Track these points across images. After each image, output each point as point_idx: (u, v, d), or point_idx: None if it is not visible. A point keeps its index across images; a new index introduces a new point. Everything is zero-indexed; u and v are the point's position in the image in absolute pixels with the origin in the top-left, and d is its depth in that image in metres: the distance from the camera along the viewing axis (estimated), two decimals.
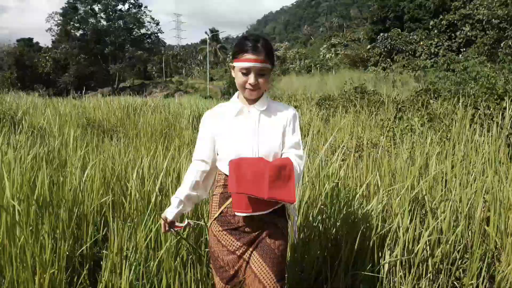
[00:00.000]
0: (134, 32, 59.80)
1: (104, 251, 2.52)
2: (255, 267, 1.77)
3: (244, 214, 1.74)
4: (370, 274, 2.39)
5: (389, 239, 2.56)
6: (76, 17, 57.34)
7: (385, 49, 30.56)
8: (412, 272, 2.48)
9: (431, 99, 9.02)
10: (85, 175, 2.95)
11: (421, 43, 29.76)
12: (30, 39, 70.07)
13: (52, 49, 58.38)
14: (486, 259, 2.69)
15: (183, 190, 1.88)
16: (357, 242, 2.51)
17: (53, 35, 58.77)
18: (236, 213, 1.76)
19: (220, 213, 1.84)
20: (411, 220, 2.68)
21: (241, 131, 1.81)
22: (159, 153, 4.36)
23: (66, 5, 57.43)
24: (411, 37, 30.58)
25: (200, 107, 11.54)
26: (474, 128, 6.03)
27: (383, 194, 2.81)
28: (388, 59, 30.08)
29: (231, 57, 1.89)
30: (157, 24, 61.19)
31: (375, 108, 10.19)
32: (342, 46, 46.74)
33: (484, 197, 3.35)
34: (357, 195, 2.88)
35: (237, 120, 1.84)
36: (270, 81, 1.85)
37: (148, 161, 3.32)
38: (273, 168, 1.68)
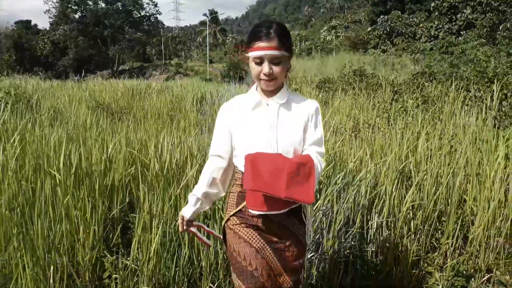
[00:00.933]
0: (134, 14, 59.40)
1: (131, 214, 2.94)
2: (275, 270, 1.75)
3: (259, 212, 1.66)
4: (360, 231, 2.81)
5: (377, 203, 2.97)
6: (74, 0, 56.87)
7: (385, 31, 30.62)
8: (396, 232, 2.90)
9: (426, 82, 9.36)
10: (109, 150, 3.35)
11: (421, 25, 29.80)
12: (28, 22, 69.60)
13: (50, 31, 58.04)
14: (460, 222, 3.10)
15: (200, 187, 1.82)
16: (350, 206, 2.92)
17: (51, 17, 58.34)
18: (250, 211, 1.67)
19: (237, 211, 1.77)
20: (397, 189, 3.08)
21: (259, 125, 1.71)
22: (170, 132, 4.75)
23: None
24: (411, 19, 30.60)
25: (202, 89, 11.87)
26: (465, 110, 6.42)
27: (371, 166, 3.21)
28: (388, 42, 30.18)
29: (244, 47, 1.75)
30: (156, 5, 60.77)
31: (373, 90, 10.51)
32: (342, 28, 46.53)
33: (465, 170, 3.76)
34: (349, 168, 3.28)
35: (255, 113, 1.75)
36: (288, 70, 1.76)
37: (163, 139, 3.71)
38: (292, 165, 1.58)
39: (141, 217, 2.51)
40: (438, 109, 7.04)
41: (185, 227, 1.88)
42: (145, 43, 60.68)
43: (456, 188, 3.33)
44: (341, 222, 2.78)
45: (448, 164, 3.68)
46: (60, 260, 2.36)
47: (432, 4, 29.82)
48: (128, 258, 2.46)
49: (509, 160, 3.83)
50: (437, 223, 3.16)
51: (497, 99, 6.31)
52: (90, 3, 57.50)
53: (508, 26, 18.52)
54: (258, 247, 1.72)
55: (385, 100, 8.73)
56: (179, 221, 1.88)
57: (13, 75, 22.98)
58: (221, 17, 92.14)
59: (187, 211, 1.84)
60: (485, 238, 3.07)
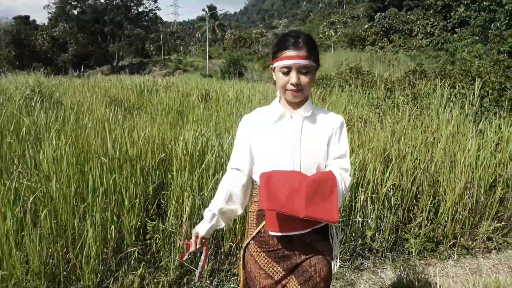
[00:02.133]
0: (133, 10, 59.72)
1: (162, 192, 3.59)
2: None
3: (279, 234, 1.60)
4: (349, 204, 3.47)
5: (363, 183, 3.62)
6: None
7: (383, 28, 31.22)
8: (378, 206, 3.56)
9: (417, 79, 9.99)
10: (140, 139, 3.99)
11: (418, 22, 30.43)
12: (27, 17, 69.73)
13: (49, 27, 58.31)
14: (432, 199, 3.77)
15: (217, 202, 1.74)
16: None
17: (50, 13, 58.49)
18: (270, 233, 1.62)
19: (257, 233, 1.71)
20: (380, 171, 3.74)
21: (281, 140, 1.66)
22: (183, 126, 5.40)
23: None
24: (408, 16, 31.20)
25: (207, 86, 12.49)
26: (450, 106, 7.07)
27: (360, 153, 3.86)
28: (385, 38, 30.81)
29: (271, 57, 1.73)
30: (155, 1, 61.12)
31: (368, 87, 11.15)
32: (341, 23, 46.92)
33: (444, 158, 4.43)
34: None
35: (278, 126, 1.69)
36: (314, 82, 1.72)
37: (186, 130, 4.36)
38: (310, 183, 1.50)
39: (175, 191, 3.16)
40: (426, 105, 7.69)
41: (198, 245, 1.78)
42: (144, 39, 61.07)
43: (432, 172, 3.99)
44: None
45: (429, 151, 4.34)
46: (111, 226, 3.01)
47: (427, 2, 30.44)
48: (166, 223, 3.11)
49: (481, 150, 4.49)
50: (414, 200, 3.82)
51: (478, 96, 6.97)
52: None
53: (498, 25, 19.14)
54: (278, 279, 1.68)
55: (378, 97, 9.36)
56: (193, 238, 1.78)
57: (14, 71, 23.45)
58: (219, 12, 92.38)
59: (202, 228, 1.75)
60: (453, 212, 3.73)
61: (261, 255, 1.70)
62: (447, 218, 3.70)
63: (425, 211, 3.68)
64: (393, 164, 3.81)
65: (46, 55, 56.25)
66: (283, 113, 1.69)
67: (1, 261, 2.69)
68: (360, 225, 3.51)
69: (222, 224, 1.77)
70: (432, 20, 29.57)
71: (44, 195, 3.10)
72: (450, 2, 28.71)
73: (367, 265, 3.34)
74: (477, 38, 21.70)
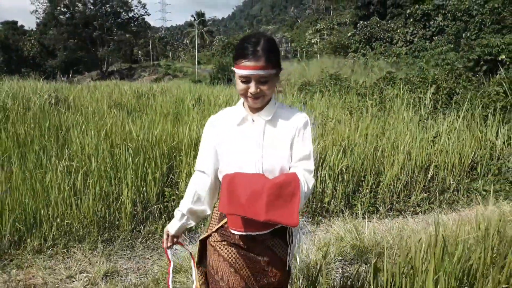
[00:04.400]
0: (122, 15, 60.38)
1: (173, 171, 4.78)
2: None
3: (240, 233, 1.62)
4: None
5: (324, 163, 4.85)
6: (63, 2, 57.47)
7: (365, 36, 32.73)
8: (333, 180, 4.79)
9: (386, 85, 11.33)
10: (156, 132, 5.18)
11: (398, 31, 32.00)
12: (15, 22, 70.01)
13: (37, 32, 58.68)
14: (375, 176, 5.03)
15: (185, 203, 1.78)
16: None
17: (38, 18, 58.82)
18: (232, 231, 1.63)
19: (219, 228, 1.74)
20: (337, 155, 4.97)
21: (243, 143, 1.67)
22: (183, 124, 6.60)
23: None
24: (388, 25, 32.76)
25: (199, 91, 13.69)
26: (408, 108, 8.38)
27: (322, 142, 5.09)
28: (367, 46, 32.34)
29: (232, 60, 1.71)
30: (144, 7, 62.01)
31: (345, 92, 12.47)
32: (327, 30, 48.06)
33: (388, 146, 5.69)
34: None
35: (240, 129, 1.70)
36: (276, 86, 1.72)
37: (188, 127, 5.57)
38: (273, 186, 1.50)
39: (184, 167, 4.37)
40: (390, 107, 9.00)
41: (169, 243, 1.85)
42: (133, 44, 61.82)
43: (378, 156, 5.26)
44: None
45: (377, 141, 5.61)
46: (141, 190, 4.20)
47: (408, 11, 32.09)
48: (178, 191, 4.30)
49: (423, 141, 5.77)
50: (363, 177, 5.07)
51: (430, 99, 8.30)
52: (80, 5, 58.39)
53: (469, 35, 20.71)
54: (237, 266, 1.69)
55: (351, 101, 10.67)
56: (164, 236, 1.85)
57: (3, 76, 24.23)
58: (207, 16, 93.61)
59: (172, 227, 1.82)
60: (391, 186, 4.99)
61: (222, 244, 1.72)
62: (386, 189, 4.96)
63: (369, 184, 4.93)
64: (346, 149, 5.06)
65: (34, 60, 56.62)
66: (245, 116, 1.70)
67: (64, 215, 3.87)
68: (321, 193, 4.75)
69: (192, 223, 1.83)
70: (412, 28, 31.16)
71: (87, 170, 4.29)
72: (429, 11, 30.38)
73: (324, 221, 4.58)
74: (451, 46, 23.30)
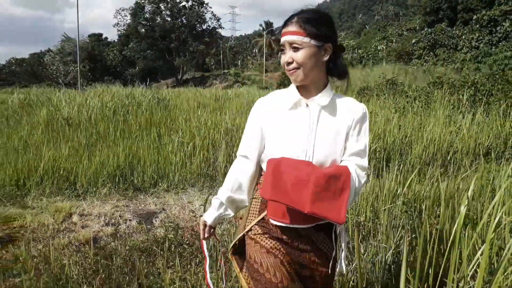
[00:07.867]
0: (197, 27, 64.07)
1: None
2: None
3: (280, 224, 1.49)
4: None
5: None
6: (144, 16, 62.20)
7: (429, 43, 33.03)
8: (370, 157, 6.46)
9: (436, 88, 12.50)
10: (235, 122, 7.18)
11: (463, 37, 31.95)
12: (100, 35, 76.88)
13: (119, 43, 64.23)
14: (403, 153, 6.62)
15: (224, 191, 1.64)
16: None
17: (119, 30, 64.05)
18: (271, 220, 1.50)
19: (259, 220, 1.58)
20: (371, 139, 6.63)
21: (295, 130, 1.50)
22: None
23: (135, 5, 62.53)
24: (453, 32, 32.77)
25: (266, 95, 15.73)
26: (447, 107, 9.71)
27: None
28: (431, 53, 32.63)
29: None
30: (218, 20, 65.45)
31: (399, 96, 13.82)
32: (396, 36, 47.62)
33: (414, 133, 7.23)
34: None
35: (292, 115, 1.53)
36: (318, 60, 1.49)
37: None
38: (321, 177, 1.35)
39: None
40: (433, 107, 10.34)
41: (206, 234, 1.71)
42: (205, 54, 65.52)
43: (406, 140, 6.84)
44: None
45: (405, 131, 7.18)
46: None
47: (474, 17, 31.93)
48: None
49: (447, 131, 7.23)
50: (391, 156, 6.67)
51: (466, 100, 9.56)
52: (159, 18, 63.13)
53: None
54: (282, 259, 1.53)
55: (400, 102, 12.06)
56: (201, 227, 1.71)
57: (94, 84, 27.81)
58: (275, 26, 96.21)
59: (209, 217, 1.68)
60: (414, 162, 6.55)
61: (264, 236, 1.56)
62: (412, 166, 6.52)
63: (398, 160, 6.53)
64: (380, 136, 6.71)
65: (115, 69, 62.17)
66: (298, 101, 1.54)
67: (181, 170, 5.94)
68: None
69: (231, 213, 1.68)
70: (477, 34, 31.01)
71: (194, 144, 6.37)
72: (496, 17, 30.15)
73: None
74: None
